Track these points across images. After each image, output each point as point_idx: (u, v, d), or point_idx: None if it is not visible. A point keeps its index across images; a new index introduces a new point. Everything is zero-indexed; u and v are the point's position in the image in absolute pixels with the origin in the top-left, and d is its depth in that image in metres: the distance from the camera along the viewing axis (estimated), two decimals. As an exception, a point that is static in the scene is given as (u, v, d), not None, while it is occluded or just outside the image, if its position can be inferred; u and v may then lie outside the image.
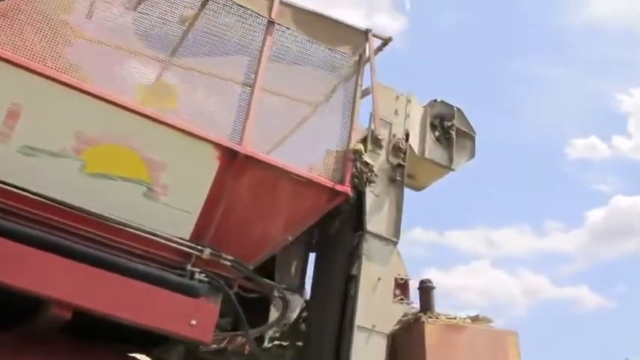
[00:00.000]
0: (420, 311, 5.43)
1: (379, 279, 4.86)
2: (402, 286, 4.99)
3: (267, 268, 5.46)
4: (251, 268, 4.71)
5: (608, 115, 33.16)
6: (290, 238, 4.77)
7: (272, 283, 4.77)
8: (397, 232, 5.08)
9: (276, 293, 4.75)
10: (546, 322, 29.51)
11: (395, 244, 5.05)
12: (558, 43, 33.30)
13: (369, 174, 4.94)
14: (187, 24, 4.86)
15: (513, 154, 32.47)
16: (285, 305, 4.86)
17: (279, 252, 5.86)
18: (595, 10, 31.56)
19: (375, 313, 4.76)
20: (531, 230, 33.82)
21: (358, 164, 4.90)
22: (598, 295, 31.89)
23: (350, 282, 4.86)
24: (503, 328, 5.65)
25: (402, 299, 4.96)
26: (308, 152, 4.94)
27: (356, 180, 4.89)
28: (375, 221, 5.03)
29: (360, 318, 4.70)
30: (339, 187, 4.80)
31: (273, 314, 5.83)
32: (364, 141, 5.22)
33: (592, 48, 32.31)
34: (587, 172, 33.70)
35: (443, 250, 30.85)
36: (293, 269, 5.98)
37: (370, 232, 4.96)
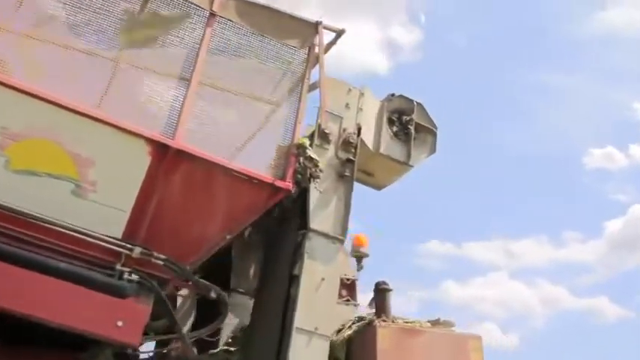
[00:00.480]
0: (375, 314, 5.23)
1: (323, 279, 4.65)
2: (348, 287, 4.79)
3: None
4: (188, 267, 4.56)
5: (624, 125, 32.63)
6: (228, 237, 4.60)
7: (208, 283, 4.60)
8: (344, 229, 4.89)
9: (213, 294, 4.56)
10: (565, 333, 28.77)
11: (342, 242, 4.85)
12: (574, 53, 32.97)
13: (313, 169, 4.77)
14: (129, 17, 4.78)
15: (530, 164, 32.01)
16: (225, 307, 4.68)
17: (236, 255, 5.73)
18: (611, 20, 31.16)
19: (317, 314, 4.55)
20: (549, 241, 33.15)
21: (302, 159, 4.74)
22: (618, 305, 31.09)
23: (293, 283, 4.66)
24: (465, 332, 5.40)
25: (348, 300, 4.75)
26: (250, 147, 4.78)
27: (299, 176, 4.72)
28: (321, 219, 4.84)
29: (301, 320, 4.49)
30: (279, 183, 4.63)
31: (231, 318, 5.68)
32: (312, 136, 5.05)
33: (608, 57, 31.87)
34: (605, 182, 33.05)
35: (460, 262, 30.39)
36: (251, 273, 5.83)
37: (314, 230, 4.77)
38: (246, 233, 5.51)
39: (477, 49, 32.63)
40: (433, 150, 5.66)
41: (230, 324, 5.62)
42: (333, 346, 5.17)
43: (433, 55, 32.70)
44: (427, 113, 5.70)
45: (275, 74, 5.05)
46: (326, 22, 5.36)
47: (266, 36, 5.06)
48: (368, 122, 5.38)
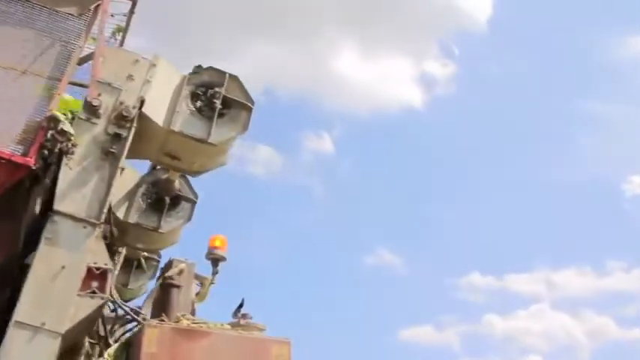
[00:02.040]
0: (159, 314, 4.67)
1: (63, 267, 4.12)
2: (99, 277, 4.23)
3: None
4: None
5: (665, 150, 31.43)
6: (-40, 221, 4.17)
7: None
8: (101, 212, 4.36)
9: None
10: (614, 365, 27.12)
11: (95, 226, 4.30)
12: (610, 79, 32.36)
13: (65, 144, 4.31)
14: None
15: (569, 192, 31.00)
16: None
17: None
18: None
19: (48, 308, 4.00)
20: (592, 270, 31.73)
21: (51, 133, 4.29)
22: (666, 335, 29.05)
23: (25, 270, 4.16)
24: (274, 336, 4.75)
25: (94, 292, 4.18)
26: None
27: (45, 152, 4.27)
28: (72, 200, 4.32)
29: (24, 313, 3.95)
30: (17, 159, 4.21)
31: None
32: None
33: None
34: (646, 209, 31.56)
35: (502, 295, 29.33)
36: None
37: (60, 212, 4.26)
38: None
39: (512, 80, 32.33)
40: (246, 127, 5.10)
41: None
42: (115, 351, 4.68)
43: (469, 88, 32.49)
44: (243, 87, 5.17)
45: (42, 43, 4.68)
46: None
47: (36, 3, 4.73)
48: (160, 96, 4.90)
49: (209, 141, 4.91)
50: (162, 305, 4.78)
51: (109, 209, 5.53)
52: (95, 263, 4.26)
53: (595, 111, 31.64)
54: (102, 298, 4.22)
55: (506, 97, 32.72)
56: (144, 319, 4.53)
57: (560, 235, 30.58)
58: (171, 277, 4.95)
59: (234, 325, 4.76)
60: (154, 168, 6.16)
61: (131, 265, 7.02)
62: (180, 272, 5.78)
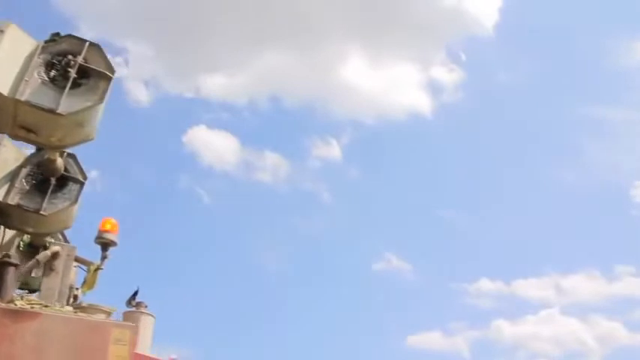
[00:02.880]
0: (-5, 294, 4.42)
1: None
2: None
3: None
4: None
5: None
6: None
7: None
8: None
9: None
10: (625, 371, 26.58)
11: None
12: (616, 84, 32.03)
13: None
14: None
15: (576, 198, 30.64)
16: None
17: None
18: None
19: None
20: (601, 275, 31.08)
21: None
22: (676, 340, 28.31)
23: None
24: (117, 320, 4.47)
25: None
26: None
27: None
28: None
29: None
30: None
31: None
32: None
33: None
34: (654, 213, 30.99)
35: (511, 300, 28.89)
36: None
37: None
38: None
39: (519, 85, 32.11)
40: (102, 97, 4.84)
41: None
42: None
43: (477, 93, 32.26)
44: (104, 56, 4.92)
45: None
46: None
47: None
48: (8, 64, 4.66)
49: (58, 111, 4.66)
50: (-4, 285, 4.52)
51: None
52: None
53: (603, 117, 31.28)
54: None
55: (514, 103, 32.45)
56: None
57: (569, 240, 30.16)
58: (8, 255, 4.69)
59: (76, 308, 4.49)
60: (39, 149, 5.94)
61: (36, 253, 6.78)
62: (55, 255, 5.56)
